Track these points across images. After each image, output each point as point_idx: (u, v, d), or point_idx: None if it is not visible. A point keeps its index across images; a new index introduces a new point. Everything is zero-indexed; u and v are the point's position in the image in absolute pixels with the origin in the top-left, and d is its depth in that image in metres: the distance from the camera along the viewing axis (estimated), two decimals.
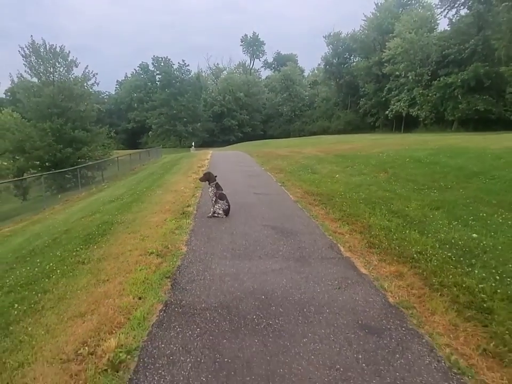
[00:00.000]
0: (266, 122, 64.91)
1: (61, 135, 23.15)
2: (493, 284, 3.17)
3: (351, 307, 2.89)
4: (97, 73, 26.84)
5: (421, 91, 38.29)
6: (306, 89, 65.01)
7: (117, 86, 72.60)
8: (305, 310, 2.85)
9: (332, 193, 7.25)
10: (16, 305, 3.14)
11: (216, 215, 5.71)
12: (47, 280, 3.66)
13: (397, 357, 2.28)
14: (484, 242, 4.13)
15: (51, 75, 24.66)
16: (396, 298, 3.05)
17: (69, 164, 21.61)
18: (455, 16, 37.86)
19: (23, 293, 3.45)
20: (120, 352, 2.27)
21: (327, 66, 56.86)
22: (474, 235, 4.38)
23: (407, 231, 4.63)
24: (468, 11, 36.02)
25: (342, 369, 2.15)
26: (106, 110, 49.74)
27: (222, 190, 5.88)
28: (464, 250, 3.96)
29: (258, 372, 2.13)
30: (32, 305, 3.11)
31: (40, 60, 24.45)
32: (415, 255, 3.88)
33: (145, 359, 2.24)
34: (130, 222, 5.66)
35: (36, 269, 4.13)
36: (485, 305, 2.86)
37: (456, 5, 37.26)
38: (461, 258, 3.75)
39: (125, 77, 71.63)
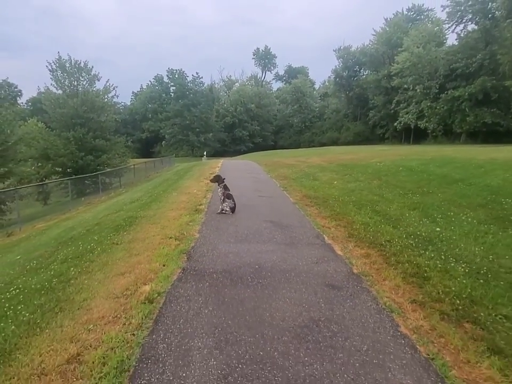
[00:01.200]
0: (277, 133, 66.40)
1: (83, 143, 24.91)
2: (437, 261, 4.04)
3: (322, 274, 3.82)
4: (117, 86, 28.81)
5: (428, 104, 38.95)
6: (317, 101, 66.32)
7: (133, 97, 75.81)
8: (287, 274, 3.78)
9: (327, 196, 8.17)
10: (72, 268, 4.18)
11: (224, 211, 6.70)
12: (91, 254, 4.71)
13: (348, 301, 3.19)
14: (443, 234, 5.00)
15: (75, 88, 26.58)
16: (359, 269, 3.96)
17: (89, 171, 23.14)
18: (463, 31, 38.89)
19: (74, 262, 4.49)
20: (153, 293, 3.26)
21: (337, 79, 58.06)
22: (438, 229, 5.24)
23: (383, 226, 5.52)
24: (475, 26, 36.94)
25: (306, 306, 3.08)
26: (122, 120, 51.80)
27: (229, 190, 6.89)
28: (425, 240, 4.83)
29: (248, 306, 3.08)
30: (84, 269, 4.14)
31: (65, 74, 26.45)
32: (383, 242, 4.78)
33: (170, 298, 3.22)
34: (151, 216, 6.71)
35: (80, 248, 5.19)
36: (425, 274, 3.75)
37: (463, 20, 38.27)
38: (420, 245, 4.63)
39: (140, 88, 74.89)
